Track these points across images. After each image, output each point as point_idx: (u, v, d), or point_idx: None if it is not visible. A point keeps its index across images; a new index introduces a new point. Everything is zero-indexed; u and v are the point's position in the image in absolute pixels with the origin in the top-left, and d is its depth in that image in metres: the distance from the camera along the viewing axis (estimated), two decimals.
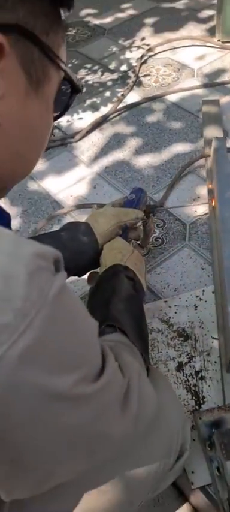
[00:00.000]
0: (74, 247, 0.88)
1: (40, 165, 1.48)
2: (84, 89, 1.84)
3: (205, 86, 1.76)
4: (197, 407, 0.90)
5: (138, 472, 0.63)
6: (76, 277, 0.98)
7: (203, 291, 1.10)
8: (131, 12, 2.33)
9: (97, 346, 0.43)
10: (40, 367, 0.34)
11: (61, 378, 0.36)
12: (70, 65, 1.96)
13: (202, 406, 0.90)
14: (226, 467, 0.73)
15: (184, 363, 0.98)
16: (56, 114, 0.46)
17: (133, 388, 0.51)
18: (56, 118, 0.46)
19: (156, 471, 0.67)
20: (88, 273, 0.94)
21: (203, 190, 1.34)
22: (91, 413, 0.41)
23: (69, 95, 0.46)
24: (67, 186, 1.42)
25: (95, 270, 0.92)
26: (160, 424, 0.66)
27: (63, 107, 0.46)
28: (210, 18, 2.17)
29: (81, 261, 0.88)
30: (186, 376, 0.96)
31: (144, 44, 2.06)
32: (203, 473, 0.82)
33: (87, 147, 1.57)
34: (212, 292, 1.09)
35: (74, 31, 2.23)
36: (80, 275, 0.93)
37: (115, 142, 1.58)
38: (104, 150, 1.55)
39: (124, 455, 0.60)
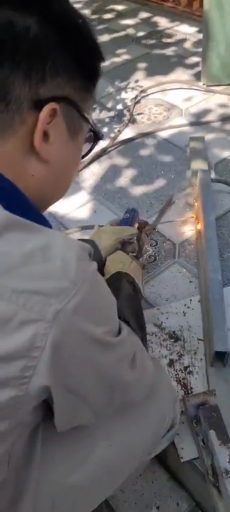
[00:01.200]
0: None
1: None
2: None
3: (191, 124, 1.97)
4: (186, 396, 1.07)
5: (139, 431, 0.79)
6: None
7: (191, 300, 1.28)
8: (126, 57, 2.56)
9: (116, 315, 0.60)
10: (84, 317, 0.52)
11: (97, 327, 0.54)
12: None
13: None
14: (209, 435, 0.89)
15: (174, 360, 1.14)
16: (83, 154, 0.65)
17: (138, 356, 0.68)
18: (83, 157, 0.65)
19: (152, 434, 0.83)
20: None
21: (190, 215, 1.54)
22: (113, 358, 0.59)
23: (93, 141, 0.65)
24: (71, 210, 1.60)
25: None
26: (156, 397, 0.82)
27: (89, 149, 0.65)
28: (196, 64, 2.40)
29: None
30: (176, 371, 1.12)
31: (137, 86, 2.28)
32: (191, 449, 0.97)
33: (88, 176, 1.76)
34: (198, 301, 1.27)
35: None
36: None
37: (113, 172, 1.77)
38: (103, 180, 1.74)
39: (131, 413, 0.76)
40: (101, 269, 1.06)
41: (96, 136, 0.64)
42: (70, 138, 0.59)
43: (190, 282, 1.33)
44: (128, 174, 1.76)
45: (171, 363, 1.14)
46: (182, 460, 0.97)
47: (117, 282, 0.94)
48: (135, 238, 1.17)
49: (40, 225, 0.52)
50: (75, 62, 0.56)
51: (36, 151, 0.55)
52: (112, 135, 1.96)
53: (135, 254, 1.16)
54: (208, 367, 1.10)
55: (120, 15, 3.06)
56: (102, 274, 1.06)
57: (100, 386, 0.59)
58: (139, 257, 1.20)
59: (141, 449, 0.81)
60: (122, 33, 2.81)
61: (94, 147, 0.66)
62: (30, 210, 0.55)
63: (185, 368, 1.12)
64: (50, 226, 0.58)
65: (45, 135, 0.55)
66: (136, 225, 1.21)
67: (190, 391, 1.08)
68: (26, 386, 0.50)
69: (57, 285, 0.49)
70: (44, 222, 0.56)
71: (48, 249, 0.50)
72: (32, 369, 0.49)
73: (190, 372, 1.11)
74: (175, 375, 1.11)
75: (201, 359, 1.13)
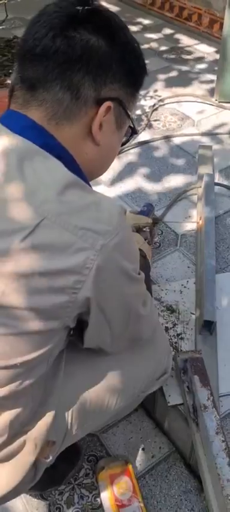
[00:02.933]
0: None
1: None
2: None
3: (202, 134, 2.18)
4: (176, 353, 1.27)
5: (141, 367, 0.97)
6: None
7: (187, 281, 1.48)
8: (147, 68, 2.78)
9: (139, 261, 0.79)
10: (120, 253, 0.69)
11: (127, 263, 0.72)
12: None
13: None
14: (193, 379, 1.10)
15: (169, 327, 1.35)
16: (122, 144, 0.84)
17: (148, 301, 0.87)
18: (121, 145, 0.84)
19: (149, 373, 1.01)
20: None
21: (193, 212, 1.75)
22: (133, 290, 0.78)
23: (130, 134, 0.84)
24: None
25: None
26: (156, 343, 1.00)
27: (126, 140, 0.85)
28: (211, 81, 2.61)
29: None
30: (170, 337, 1.33)
31: (156, 95, 2.49)
32: (177, 396, 1.17)
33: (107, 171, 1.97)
34: (194, 283, 1.48)
35: None
36: None
37: (129, 169, 1.99)
38: (120, 175, 1.96)
39: (136, 350, 0.93)
40: None
41: (133, 131, 0.84)
42: (116, 129, 0.78)
43: (188, 267, 1.54)
44: (142, 172, 1.97)
45: (166, 330, 1.34)
46: (169, 404, 1.17)
47: None
48: (148, 228, 1.39)
49: (91, 188, 0.73)
50: (129, 74, 0.76)
51: (92, 136, 0.74)
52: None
53: (147, 241, 1.38)
54: (196, 335, 1.31)
55: (146, 29, 3.29)
56: None
57: (121, 310, 0.78)
58: (150, 244, 1.42)
59: (140, 383, 0.99)
60: (146, 45, 3.03)
61: (131, 139, 0.86)
62: (84, 178, 0.74)
63: (178, 335, 1.33)
64: None
65: (100, 125, 0.73)
66: (151, 218, 1.44)
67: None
68: (76, 296, 0.67)
69: (104, 227, 0.67)
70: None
71: (100, 203, 0.69)
72: (82, 283, 0.67)
73: (181, 338, 1.32)
74: (169, 339, 1.32)
75: (192, 328, 1.34)
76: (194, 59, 2.91)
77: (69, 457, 1.10)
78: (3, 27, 2.26)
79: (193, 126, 2.26)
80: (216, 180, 1.85)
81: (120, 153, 2.07)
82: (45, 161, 0.69)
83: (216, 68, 2.50)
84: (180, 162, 2.03)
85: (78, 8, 0.72)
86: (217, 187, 1.80)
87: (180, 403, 1.17)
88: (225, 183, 1.88)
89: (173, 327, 1.35)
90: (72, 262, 0.66)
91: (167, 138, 2.17)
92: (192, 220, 1.72)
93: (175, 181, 1.92)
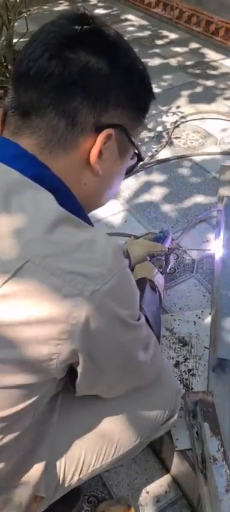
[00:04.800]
0: None
1: None
2: None
3: (224, 153, 2.09)
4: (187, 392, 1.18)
5: (144, 413, 0.90)
6: None
7: (202, 311, 1.39)
8: (171, 82, 2.71)
9: (138, 304, 0.71)
10: (113, 299, 0.62)
11: (122, 310, 0.64)
12: None
13: None
14: (203, 426, 1.01)
15: (180, 362, 1.26)
16: (126, 171, 0.78)
17: (151, 345, 0.79)
18: (126, 173, 0.78)
19: (154, 419, 0.92)
20: None
21: (211, 236, 1.65)
22: (130, 337, 0.70)
23: (136, 161, 0.78)
24: (105, 216, 1.75)
25: None
26: (162, 385, 0.92)
27: (131, 168, 0.79)
28: None
29: None
30: (181, 372, 1.24)
31: (178, 111, 2.42)
32: (185, 440, 1.09)
33: (123, 189, 1.91)
34: (209, 314, 1.38)
35: None
36: None
37: (146, 188, 1.92)
38: (136, 193, 1.89)
39: (139, 395, 0.86)
40: None
41: (139, 158, 0.77)
42: (119, 157, 0.72)
43: (204, 296, 1.45)
44: (160, 191, 1.90)
45: (177, 364, 1.26)
46: (176, 449, 1.09)
47: (142, 285, 1.08)
48: (164, 256, 1.32)
49: (87, 224, 0.66)
50: (132, 98, 0.70)
51: (90, 165, 0.68)
52: (150, 153, 2.10)
53: (160, 270, 1.30)
54: (209, 372, 1.22)
55: (172, 42, 3.23)
56: None
57: (117, 360, 0.70)
58: (164, 273, 1.34)
59: (143, 430, 0.91)
60: (171, 60, 2.96)
61: (136, 166, 0.80)
62: (80, 211, 0.68)
63: (189, 370, 1.24)
64: (92, 225, 0.71)
65: (100, 153, 0.67)
66: (167, 245, 1.36)
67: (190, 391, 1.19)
68: (61, 347, 0.60)
69: (96, 270, 0.60)
70: (89, 222, 0.69)
71: (93, 243, 0.62)
72: (68, 334, 0.59)
73: (193, 375, 1.23)
74: (179, 375, 1.23)
75: (204, 364, 1.25)
76: (219, 75, 2.82)
77: (68, 498, 1.01)
78: (26, 39, 2.24)
79: (216, 145, 2.17)
80: None
81: (137, 171, 2.01)
82: (35, 195, 0.63)
83: None
84: (200, 182, 1.94)
85: (76, 27, 0.66)
86: None
87: (189, 448, 1.08)
88: None
89: (184, 361, 1.27)
90: (57, 310, 0.59)
91: (188, 156, 2.09)
92: (210, 245, 1.62)
93: (195, 202, 1.83)
